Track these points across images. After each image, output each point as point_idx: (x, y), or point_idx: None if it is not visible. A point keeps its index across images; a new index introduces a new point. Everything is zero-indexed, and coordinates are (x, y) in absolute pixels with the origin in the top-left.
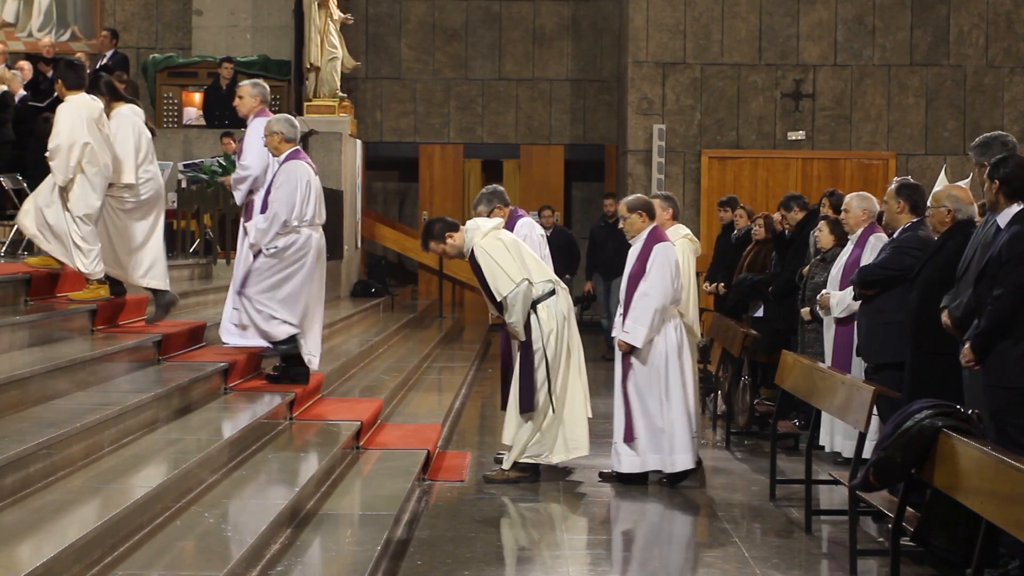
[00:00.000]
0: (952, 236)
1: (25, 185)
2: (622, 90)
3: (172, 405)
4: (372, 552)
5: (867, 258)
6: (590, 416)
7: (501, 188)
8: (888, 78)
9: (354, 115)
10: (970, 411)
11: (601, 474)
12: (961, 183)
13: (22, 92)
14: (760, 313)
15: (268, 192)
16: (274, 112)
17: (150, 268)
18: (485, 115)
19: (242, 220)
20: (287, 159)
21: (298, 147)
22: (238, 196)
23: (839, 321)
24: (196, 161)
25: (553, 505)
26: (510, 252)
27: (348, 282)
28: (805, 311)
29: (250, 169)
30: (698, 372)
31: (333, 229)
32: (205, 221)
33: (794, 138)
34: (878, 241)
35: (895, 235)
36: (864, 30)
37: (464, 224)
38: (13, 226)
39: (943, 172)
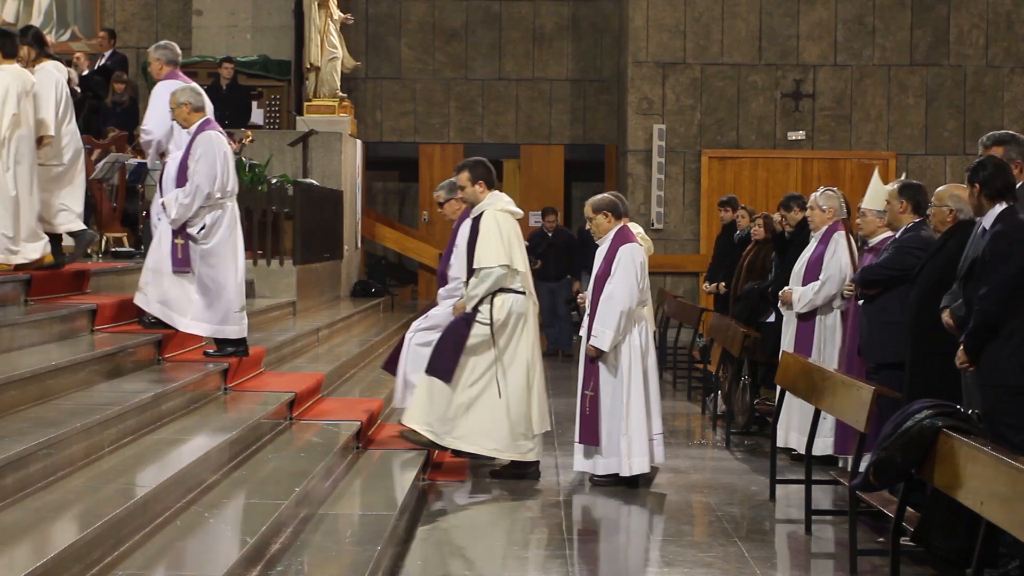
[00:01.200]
0: (953, 236)
1: None
2: (622, 90)
3: (172, 405)
4: (372, 552)
5: (829, 256)
6: (546, 430)
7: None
8: (888, 78)
9: (354, 115)
10: (970, 411)
11: (592, 478)
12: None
13: None
14: (772, 319)
15: (183, 165)
16: (270, 109)
17: (68, 214)
18: (485, 115)
19: (156, 198)
20: (199, 130)
21: (208, 116)
22: (148, 160)
23: (801, 317)
24: None
25: (553, 505)
26: (513, 239)
27: (348, 282)
28: None
29: (151, 134)
30: (694, 372)
31: (333, 229)
32: None
33: (794, 138)
34: (840, 238)
35: (897, 235)
36: (864, 30)
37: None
38: None
39: (876, 173)
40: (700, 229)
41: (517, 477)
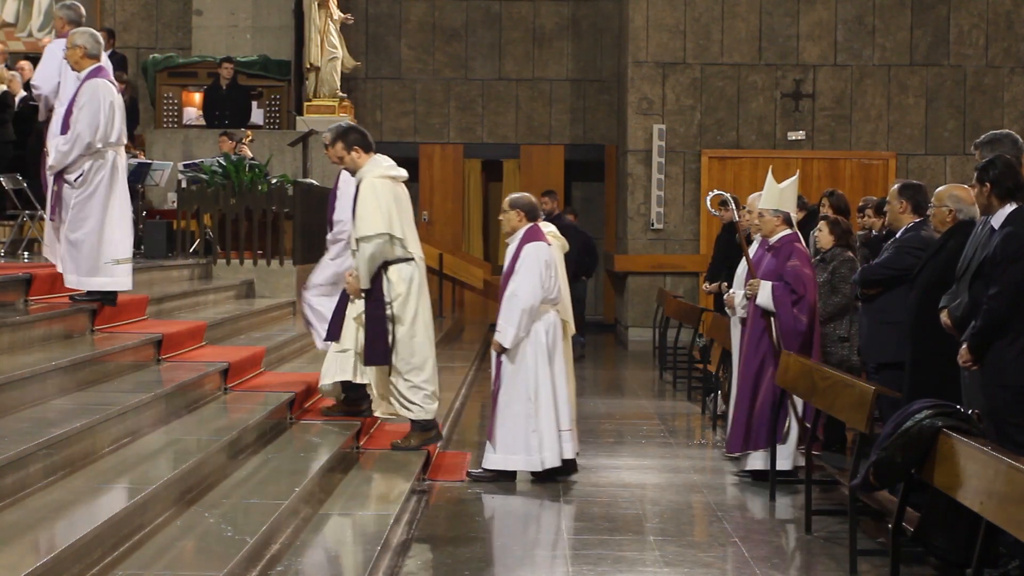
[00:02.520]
0: (953, 236)
1: (25, 185)
2: (622, 90)
3: (172, 405)
4: (372, 552)
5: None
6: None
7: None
8: (888, 78)
9: (354, 115)
10: (970, 411)
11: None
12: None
13: (22, 92)
14: None
15: (68, 112)
16: (270, 109)
17: None
18: (485, 115)
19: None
20: (88, 76)
21: (101, 65)
22: (40, 115)
23: (744, 321)
24: (196, 161)
25: (552, 505)
26: (392, 205)
27: None
28: None
29: (39, 88)
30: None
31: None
32: (205, 221)
33: (794, 138)
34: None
35: (898, 235)
36: (864, 30)
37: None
38: (13, 226)
39: (770, 172)
40: (700, 229)
41: (424, 434)
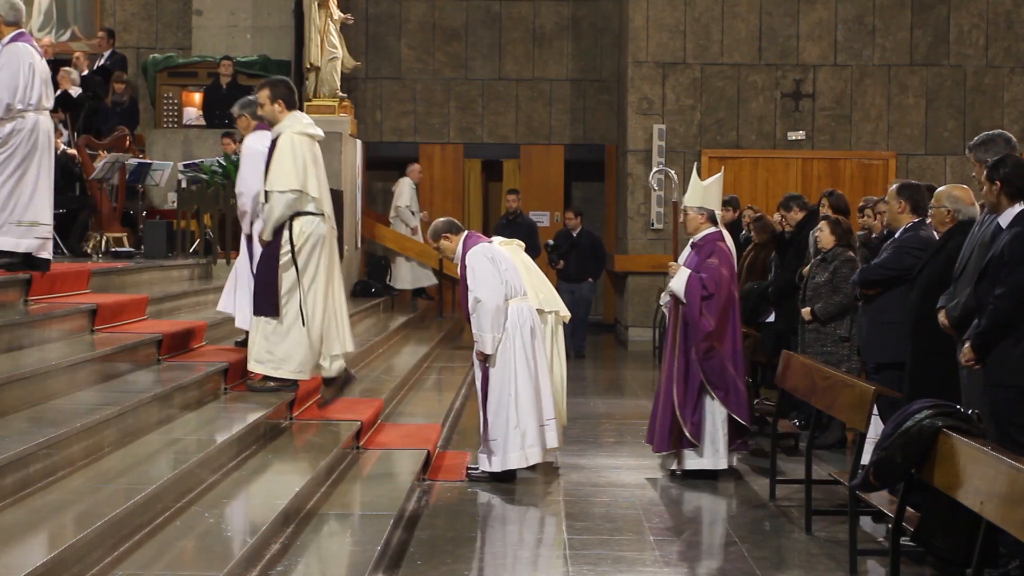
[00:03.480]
0: (953, 236)
1: None
2: (622, 90)
3: (172, 405)
4: (372, 552)
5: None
6: (348, 350)
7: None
8: (888, 78)
9: (354, 115)
10: (970, 411)
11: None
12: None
13: None
14: (772, 319)
15: None
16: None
17: None
18: (485, 115)
19: None
20: (10, 41)
21: (22, 31)
22: None
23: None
24: (196, 161)
25: (552, 504)
26: (308, 162)
27: (348, 282)
28: (806, 311)
29: None
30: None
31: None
32: (205, 221)
33: (794, 138)
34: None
35: (897, 235)
36: (864, 30)
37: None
38: None
39: (695, 170)
40: None
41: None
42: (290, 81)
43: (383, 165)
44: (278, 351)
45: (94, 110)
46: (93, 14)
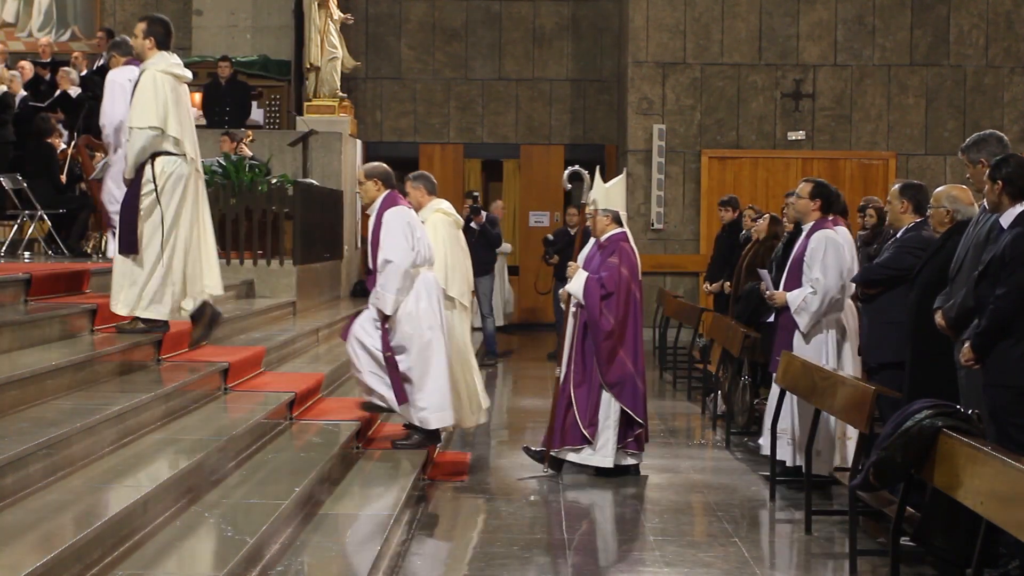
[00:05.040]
0: (952, 236)
1: (25, 185)
2: (622, 90)
3: (172, 405)
4: (372, 552)
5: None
6: (217, 293)
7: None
8: (888, 78)
9: (354, 115)
10: (970, 411)
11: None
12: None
13: (22, 92)
14: (772, 319)
15: None
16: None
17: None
18: (485, 115)
19: None
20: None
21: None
22: None
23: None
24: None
25: (553, 504)
26: (170, 102)
27: (348, 282)
28: None
29: None
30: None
31: (333, 229)
32: None
33: (794, 138)
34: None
35: (898, 235)
36: (864, 30)
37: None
38: (13, 226)
39: (597, 170)
40: (700, 229)
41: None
42: (170, 23)
43: None
44: (145, 292)
45: (94, 110)
46: (93, 14)
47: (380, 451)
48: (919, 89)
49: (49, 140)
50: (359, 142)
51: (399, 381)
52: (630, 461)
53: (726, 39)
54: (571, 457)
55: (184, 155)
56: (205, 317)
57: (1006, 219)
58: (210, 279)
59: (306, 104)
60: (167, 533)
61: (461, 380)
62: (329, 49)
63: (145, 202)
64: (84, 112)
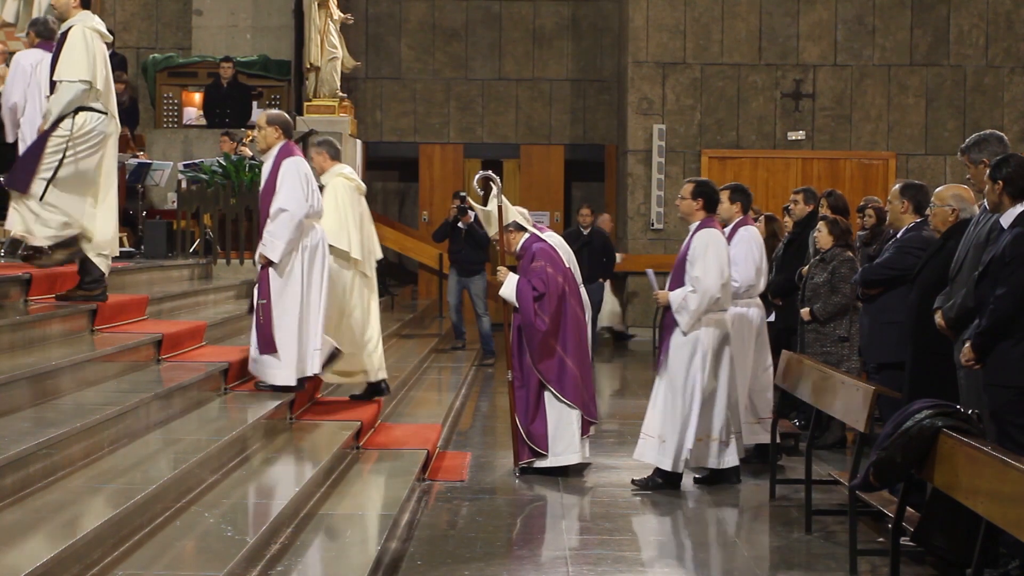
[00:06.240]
0: (953, 236)
1: None
2: (622, 90)
3: (172, 405)
4: (372, 552)
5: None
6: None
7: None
8: (888, 78)
9: (354, 115)
10: (970, 411)
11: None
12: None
13: None
14: (772, 319)
15: None
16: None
17: None
18: (485, 115)
19: None
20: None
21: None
22: None
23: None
24: (196, 161)
25: (553, 504)
26: (98, 58)
27: None
28: (805, 311)
29: None
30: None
31: None
32: (205, 221)
33: (794, 138)
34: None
35: (899, 235)
36: (864, 30)
37: None
38: None
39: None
40: None
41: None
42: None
43: (383, 165)
44: (33, 211)
45: None
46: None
47: (380, 451)
48: (919, 89)
49: None
50: (359, 142)
51: (267, 328)
52: (587, 453)
53: (726, 39)
54: (537, 465)
55: (106, 113)
56: (74, 249)
57: (1006, 219)
58: (112, 241)
59: (306, 104)
60: (167, 533)
61: (346, 341)
62: (329, 49)
63: (50, 149)
64: None
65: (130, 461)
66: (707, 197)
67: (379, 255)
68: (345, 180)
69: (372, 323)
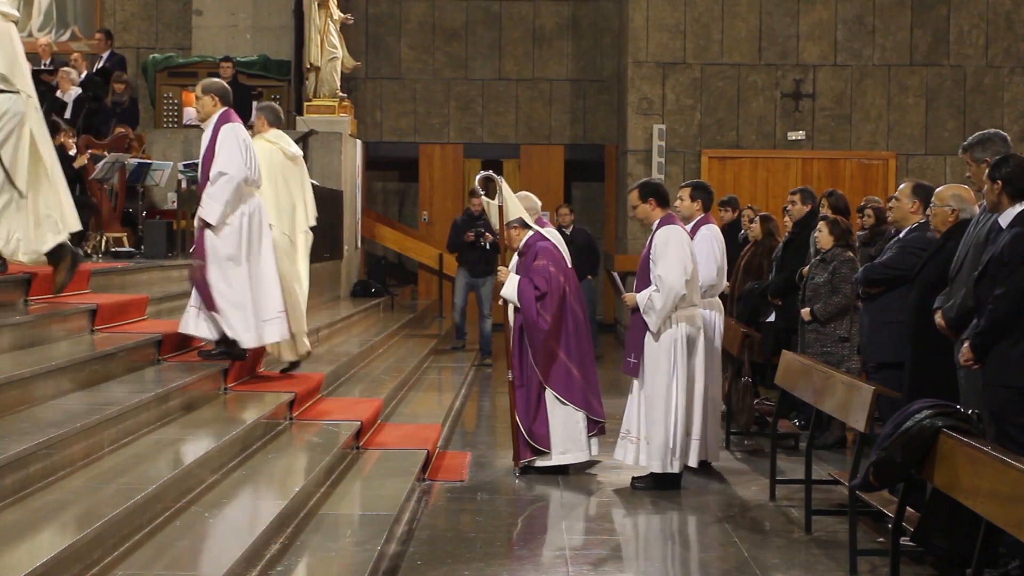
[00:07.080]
0: (953, 236)
1: None
2: (622, 90)
3: (172, 405)
4: (372, 552)
5: None
6: (73, 229)
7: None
8: (888, 78)
9: (354, 115)
10: (970, 411)
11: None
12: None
13: None
14: (772, 319)
15: None
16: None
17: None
18: (485, 115)
19: None
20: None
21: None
22: None
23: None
24: (196, 161)
25: (553, 505)
26: (2, 39)
27: (348, 282)
28: (805, 311)
29: None
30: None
31: (333, 229)
32: None
33: (794, 138)
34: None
35: (902, 235)
36: (864, 30)
37: None
38: None
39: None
40: None
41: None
42: None
43: (383, 165)
44: None
45: (94, 111)
46: (93, 14)
47: (380, 451)
48: (919, 89)
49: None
50: (359, 142)
51: (204, 289)
52: (595, 451)
53: (726, 39)
54: (539, 463)
55: (18, 92)
56: (67, 260)
57: (1005, 219)
58: (67, 215)
59: (306, 104)
60: (167, 533)
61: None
62: (329, 49)
63: None
64: (84, 113)
65: (130, 461)
66: (656, 194)
67: (312, 222)
68: (267, 144)
69: (298, 291)
